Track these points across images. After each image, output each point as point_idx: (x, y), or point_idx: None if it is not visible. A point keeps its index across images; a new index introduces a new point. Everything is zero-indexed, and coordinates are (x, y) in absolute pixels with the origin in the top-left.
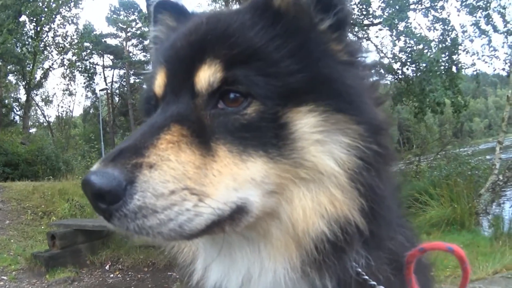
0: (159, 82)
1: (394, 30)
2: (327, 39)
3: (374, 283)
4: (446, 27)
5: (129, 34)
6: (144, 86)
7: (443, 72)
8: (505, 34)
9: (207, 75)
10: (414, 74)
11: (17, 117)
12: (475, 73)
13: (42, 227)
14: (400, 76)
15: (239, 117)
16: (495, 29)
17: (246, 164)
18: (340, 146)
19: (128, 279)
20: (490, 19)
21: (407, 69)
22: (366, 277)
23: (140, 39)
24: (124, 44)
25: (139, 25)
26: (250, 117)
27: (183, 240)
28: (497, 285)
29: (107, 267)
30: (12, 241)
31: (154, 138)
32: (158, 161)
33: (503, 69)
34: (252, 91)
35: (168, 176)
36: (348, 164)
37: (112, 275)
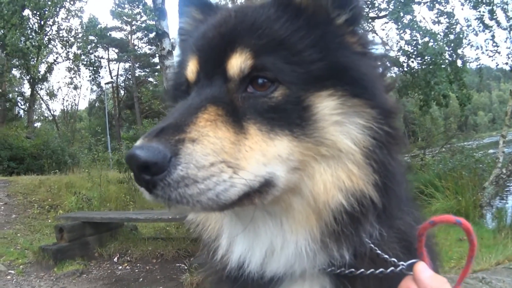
0: (192, 69)
1: (399, 23)
2: (343, 32)
3: (387, 256)
4: (450, 20)
5: (134, 27)
6: (171, 74)
7: (447, 65)
8: (508, 29)
9: (238, 62)
10: (420, 67)
11: (21, 112)
12: (478, 67)
13: (49, 221)
14: (405, 69)
15: (267, 100)
16: (499, 24)
17: (274, 141)
18: (356, 127)
19: (136, 270)
20: (494, 14)
21: (412, 61)
22: (379, 251)
23: (145, 32)
24: (129, 38)
25: (144, 18)
26: (276, 100)
27: (217, 210)
28: (499, 275)
29: (115, 259)
30: (19, 235)
31: (193, 116)
32: (199, 136)
33: (506, 63)
34: (279, 77)
35: (208, 150)
36: (363, 143)
37: (120, 267)
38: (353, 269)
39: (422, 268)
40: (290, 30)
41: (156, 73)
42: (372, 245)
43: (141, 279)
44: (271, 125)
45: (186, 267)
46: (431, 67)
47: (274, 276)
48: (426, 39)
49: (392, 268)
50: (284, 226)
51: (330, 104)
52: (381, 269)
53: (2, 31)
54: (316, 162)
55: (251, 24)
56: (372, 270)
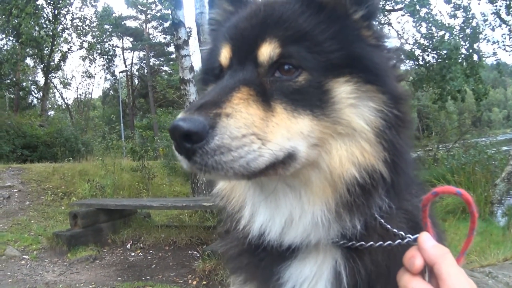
0: (225, 55)
1: (415, 16)
2: (359, 26)
3: (395, 230)
4: (467, 15)
5: (148, 16)
6: (201, 61)
7: (463, 60)
8: None
9: (268, 50)
10: (435, 61)
11: (35, 100)
12: (495, 62)
13: (63, 208)
14: (420, 62)
15: (292, 84)
16: None
17: (297, 119)
18: (368, 109)
19: (149, 257)
20: (511, 9)
21: (428, 55)
22: (388, 226)
23: (160, 21)
24: (144, 26)
25: (159, 7)
26: (300, 84)
27: (246, 177)
28: (506, 271)
29: (128, 246)
30: (32, 221)
31: (229, 95)
32: (233, 112)
33: None
34: (302, 64)
35: (241, 123)
36: (374, 123)
37: (133, 254)
38: (363, 242)
39: (426, 238)
40: (313, 23)
41: (171, 62)
42: (381, 220)
43: (154, 266)
44: (295, 105)
45: (198, 255)
46: (446, 61)
47: (291, 245)
48: (442, 32)
49: (400, 240)
50: (302, 198)
51: (347, 89)
52: (389, 242)
53: (16, 20)
54: (333, 139)
55: (279, 18)
56: (380, 242)
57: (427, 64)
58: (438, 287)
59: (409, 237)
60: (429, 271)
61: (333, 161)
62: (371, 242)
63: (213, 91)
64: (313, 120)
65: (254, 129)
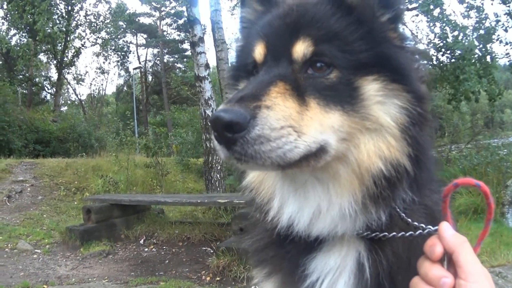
0: (260, 52)
1: (429, 15)
2: (386, 28)
3: (416, 223)
4: (480, 15)
5: (163, 13)
6: (232, 58)
7: (476, 60)
8: None
9: (302, 48)
10: (449, 61)
11: (48, 96)
12: (508, 63)
13: (75, 203)
14: (434, 62)
15: (324, 80)
16: None
17: (329, 114)
18: (394, 106)
19: (162, 253)
20: None
21: (442, 55)
22: (409, 220)
23: (174, 18)
24: (158, 23)
25: (173, 4)
26: (331, 81)
27: (282, 167)
28: None
29: (141, 241)
30: (45, 216)
31: (266, 89)
32: (272, 104)
33: None
34: (334, 62)
35: (279, 116)
36: (400, 120)
37: (146, 249)
38: (386, 233)
39: (446, 227)
40: (343, 24)
41: (185, 59)
42: (402, 214)
43: (167, 261)
44: (327, 101)
45: (212, 251)
46: (460, 62)
47: (318, 236)
48: (456, 33)
49: (421, 231)
50: (330, 190)
51: (374, 87)
52: (410, 232)
53: (29, 16)
54: (361, 134)
55: (312, 18)
56: (402, 233)
57: (441, 64)
58: (456, 274)
59: (430, 228)
60: (448, 259)
61: (361, 154)
62: (394, 233)
63: (250, 85)
64: (343, 115)
65: (291, 121)
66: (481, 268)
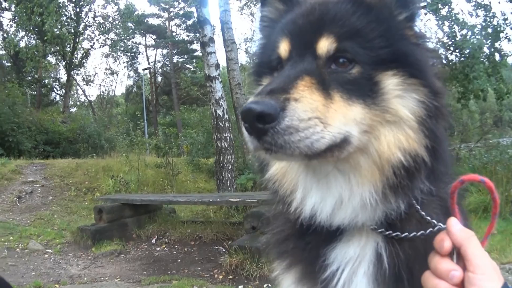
0: (285, 48)
1: (437, 14)
2: (403, 26)
3: (428, 218)
4: (488, 13)
5: (171, 14)
6: (255, 55)
7: (485, 59)
8: None
9: (326, 45)
10: (458, 60)
11: (57, 97)
12: None
13: (86, 203)
14: (443, 61)
15: (347, 75)
16: None
17: (351, 107)
18: (413, 100)
19: (174, 252)
20: None
21: (451, 54)
22: (423, 213)
23: (183, 19)
24: (167, 24)
25: (182, 5)
26: (354, 76)
27: (308, 157)
28: None
29: (153, 241)
30: (55, 216)
31: (294, 83)
32: (300, 97)
33: None
34: (356, 58)
35: (307, 108)
36: (418, 112)
37: (158, 248)
38: (398, 232)
39: (454, 222)
40: (364, 22)
41: (194, 60)
42: (418, 207)
43: (179, 260)
44: (350, 94)
45: (224, 250)
46: (469, 60)
47: (340, 225)
48: (464, 31)
49: (431, 229)
50: (352, 181)
51: (394, 81)
52: (421, 232)
53: (38, 18)
54: (381, 126)
55: (334, 16)
56: (414, 233)
57: (450, 63)
58: (464, 268)
59: (440, 225)
60: (457, 254)
61: (381, 146)
62: (406, 233)
63: (278, 79)
64: (365, 108)
65: (318, 113)
66: (489, 260)
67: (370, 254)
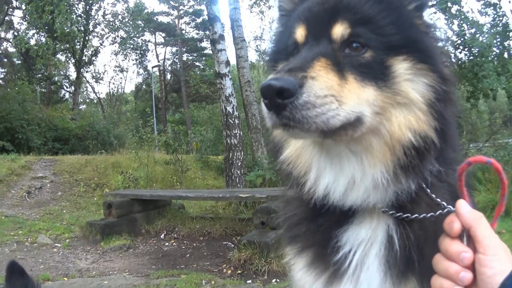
0: (301, 33)
1: (447, 13)
2: (413, 15)
3: (438, 200)
4: (497, 12)
5: (181, 12)
6: (271, 42)
7: (494, 57)
8: None
9: (340, 30)
10: (467, 58)
11: (67, 94)
12: None
13: (95, 199)
14: (452, 60)
15: (360, 59)
16: None
17: (364, 89)
18: (422, 84)
19: (183, 247)
20: None
21: (460, 52)
22: (433, 195)
23: (193, 17)
24: (176, 22)
25: (191, 3)
26: (366, 60)
27: (323, 134)
28: None
29: (162, 236)
30: (64, 211)
31: (310, 63)
32: (317, 76)
33: None
34: (368, 43)
35: (323, 85)
36: (427, 95)
37: (167, 243)
38: (409, 214)
39: (463, 204)
40: (376, 10)
41: (204, 58)
42: (427, 190)
43: (188, 255)
44: (362, 77)
45: (233, 245)
46: (478, 59)
47: (352, 205)
48: (473, 30)
49: (441, 211)
50: (364, 162)
51: (404, 66)
52: (431, 213)
53: (49, 16)
54: (392, 108)
55: (348, 4)
56: (424, 215)
57: (459, 62)
58: (475, 249)
59: (449, 208)
60: (467, 236)
61: (392, 127)
62: (416, 214)
63: (295, 60)
64: (377, 90)
65: (333, 91)
66: (499, 241)
67: (382, 236)
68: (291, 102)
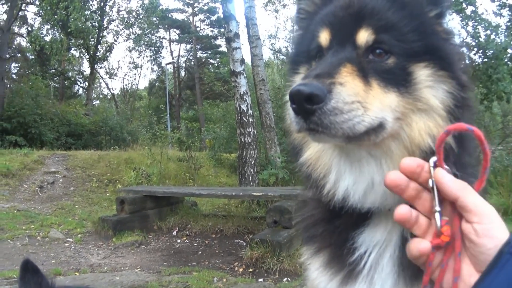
0: (326, 37)
1: (462, 14)
2: (434, 22)
3: None
4: None
5: (196, 9)
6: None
7: (509, 60)
8: None
9: (365, 36)
10: (481, 60)
11: (80, 90)
12: None
13: (107, 194)
14: (467, 61)
15: (383, 65)
16: None
17: (387, 95)
18: (442, 90)
19: (195, 244)
20: None
21: (474, 54)
22: None
23: (207, 14)
24: (191, 19)
25: (206, 0)
26: (389, 66)
27: (349, 139)
28: None
29: (174, 233)
30: (76, 206)
31: (337, 69)
32: (344, 82)
33: None
34: (391, 50)
35: (350, 92)
36: (446, 102)
37: (179, 240)
38: None
39: (443, 173)
40: (398, 17)
41: (218, 55)
42: None
43: (200, 252)
44: (385, 83)
45: (245, 243)
46: (492, 61)
47: (370, 208)
48: (488, 32)
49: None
50: (383, 165)
51: (425, 73)
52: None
53: (63, 12)
54: (413, 113)
55: (372, 10)
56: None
57: (473, 64)
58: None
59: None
60: (439, 203)
61: (412, 132)
62: None
63: (321, 65)
64: (399, 96)
65: (359, 98)
66: (490, 207)
67: (396, 239)
68: (320, 108)
